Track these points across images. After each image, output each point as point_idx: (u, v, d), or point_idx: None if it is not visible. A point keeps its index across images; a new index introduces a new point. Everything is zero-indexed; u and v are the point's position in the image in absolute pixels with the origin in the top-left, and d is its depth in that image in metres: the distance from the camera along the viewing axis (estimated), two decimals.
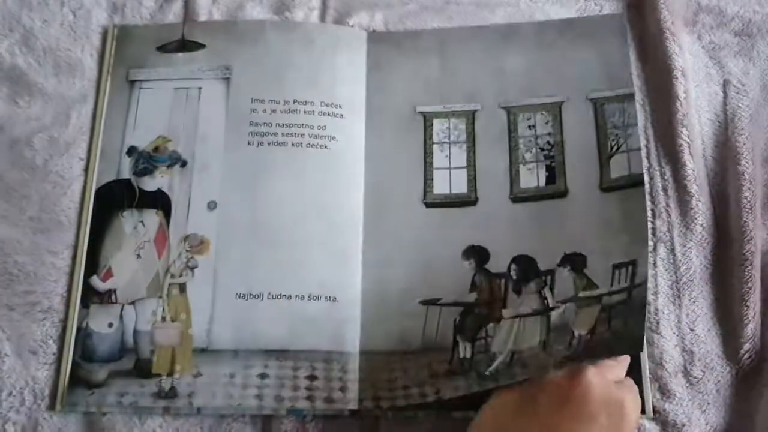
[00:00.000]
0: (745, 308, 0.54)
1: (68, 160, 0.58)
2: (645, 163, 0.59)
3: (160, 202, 0.58)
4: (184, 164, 0.59)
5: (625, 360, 0.50)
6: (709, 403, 0.53)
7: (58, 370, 0.53)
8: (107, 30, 0.62)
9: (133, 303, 0.55)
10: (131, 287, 0.56)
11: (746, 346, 0.53)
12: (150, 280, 0.56)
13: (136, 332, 0.54)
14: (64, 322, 0.54)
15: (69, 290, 0.54)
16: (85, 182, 0.58)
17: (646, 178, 0.59)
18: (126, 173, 0.58)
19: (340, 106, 0.60)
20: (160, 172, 0.58)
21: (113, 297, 0.55)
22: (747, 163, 0.58)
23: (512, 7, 0.65)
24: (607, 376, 0.46)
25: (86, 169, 0.58)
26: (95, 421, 0.52)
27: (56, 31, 0.62)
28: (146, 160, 0.58)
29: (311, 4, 0.65)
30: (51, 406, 0.52)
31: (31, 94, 0.60)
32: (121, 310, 0.55)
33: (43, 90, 0.60)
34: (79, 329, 0.54)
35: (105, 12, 0.63)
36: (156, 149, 0.59)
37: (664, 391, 0.53)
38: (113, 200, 0.58)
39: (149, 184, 0.58)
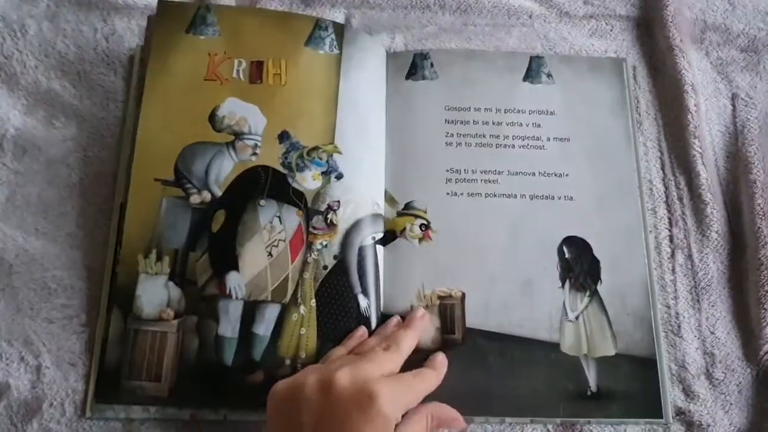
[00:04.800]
0: (763, 311, 0.56)
1: (103, 178, 0.60)
2: (660, 173, 0.62)
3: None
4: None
5: (393, 348, 0.49)
6: (731, 404, 0.55)
7: (93, 381, 0.53)
8: (134, 54, 0.64)
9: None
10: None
11: (765, 348, 0.55)
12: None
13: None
14: (103, 333, 0.55)
15: (107, 303, 0.56)
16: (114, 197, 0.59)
17: (662, 188, 0.61)
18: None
19: None
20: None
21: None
22: (758, 171, 0.60)
23: (527, 28, 0.68)
24: (362, 372, 0.44)
25: (115, 186, 0.59)
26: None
27: (90, 55, 0.64)
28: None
29: None
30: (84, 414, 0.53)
31: (67, 116, 0.62)
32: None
33: (78, 112, 0.62)
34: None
35: (136, 37, 0.65)
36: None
37: (688, 393, 0.55)
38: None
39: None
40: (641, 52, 0.67)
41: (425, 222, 0.58)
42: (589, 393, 0.53)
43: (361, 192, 0.57)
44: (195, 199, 0.55)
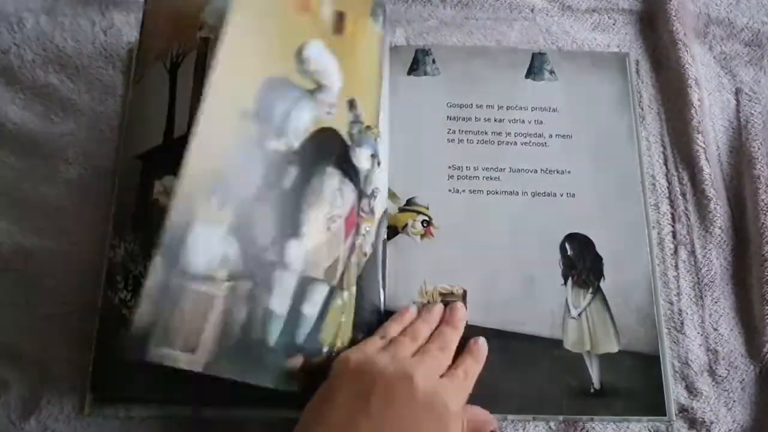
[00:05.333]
0: (766, 307, 0.55)
1: (101, 174, 0.59)
2: (663, 168, 0.61)
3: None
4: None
5: (447, 348, 0.49)
6: (734, 401, 0.54)
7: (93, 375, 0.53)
8: (132, 47, 0.63)
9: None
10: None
11: None
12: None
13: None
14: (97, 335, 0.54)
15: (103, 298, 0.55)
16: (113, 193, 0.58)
17: (665, 184, 0.61)
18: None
19: None
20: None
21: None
22: (762, 167, 0.60)
23: (529, 22, 0.67)
24: (433, 374, 0.46)
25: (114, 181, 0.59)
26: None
27: (88, 49, 0.63)
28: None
29: None
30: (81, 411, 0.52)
31: (65, 111, 0.61)
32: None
33: (76, 106, 0.61)
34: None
35: (135, 30, 0.64)
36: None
37: (691, 390, 0.54)
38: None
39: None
40: (644, 46, 0.67)
41: (427, 218, 0.58)
42: (592, 390, 0.53)
43: (385, 184, 0.57)
44: (272, 144, 0.48)
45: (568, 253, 0.57)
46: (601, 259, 0.57)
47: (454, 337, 0.51)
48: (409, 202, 0.58)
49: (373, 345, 0.48)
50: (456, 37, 0.66)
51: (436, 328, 0.52)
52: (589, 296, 0.55)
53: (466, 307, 0.55)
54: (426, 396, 0.44)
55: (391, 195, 0.58)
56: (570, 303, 0.55)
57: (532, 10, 0.68)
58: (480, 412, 0.49)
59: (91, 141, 0.60)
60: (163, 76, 0.54)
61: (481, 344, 0.52)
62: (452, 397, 0.45)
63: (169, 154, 0.50)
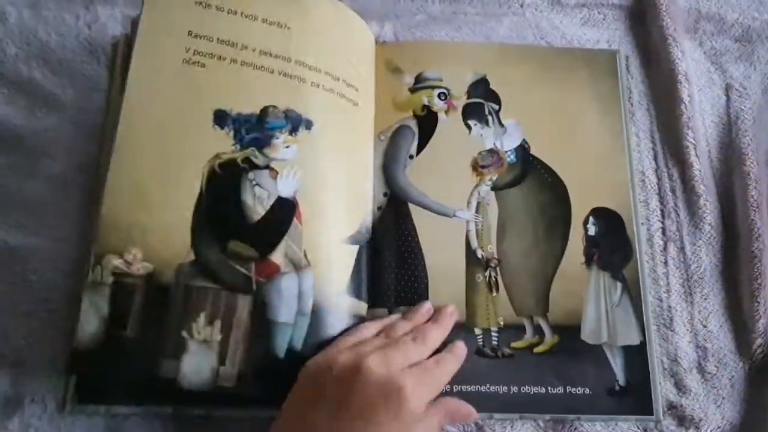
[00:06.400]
0: (756, 304, 0.55)
1: (85, 169, 0.58)
2: (653, 164, 0.61)
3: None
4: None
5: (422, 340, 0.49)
6: (723, 398, 0.54)
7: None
8: (117, 41, 0.62)
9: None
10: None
11: (758, 341, 0.54)
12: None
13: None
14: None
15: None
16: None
17: (655, 180, 0.60)
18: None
19: None
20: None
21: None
22: (752, 163, 0.59)
23: (518, 17, 0.67)
24: (394, 363, 0.45)
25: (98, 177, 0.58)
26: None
27: (72, 44, 0.63)
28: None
29: None
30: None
31: (48, 106, 0.60)
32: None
33: (60, 101, 0.60)
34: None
35: (120, 25, 0.64)
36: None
37: (680, 387, 0.54)
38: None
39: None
40: (634, 41, 0.66)
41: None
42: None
43: None
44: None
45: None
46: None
47: (435, 332, 0.50)
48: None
49: (332, 346, 0.48)
50: (445, 32, 0.66)
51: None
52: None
53: None
54: (379, 381, 0.43)
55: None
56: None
57: (521, 5, 0.67)
58: (462, 405, 0.48)
59: (75, 136, 0.59)
60: None
61: (461, 346, 0.51)
62: (413, 384, 0.43)
63: None
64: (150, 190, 0.50)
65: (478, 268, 0.56)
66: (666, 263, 0.58)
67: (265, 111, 0.53)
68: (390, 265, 0.55)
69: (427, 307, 0.53)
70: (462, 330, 0.54)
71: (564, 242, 0.56)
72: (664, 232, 0.59)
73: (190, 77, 0.53)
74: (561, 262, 0.56)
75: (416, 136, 0.59)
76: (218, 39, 0.54)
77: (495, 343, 0.54)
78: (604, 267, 0.56)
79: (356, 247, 0.54)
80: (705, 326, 0.56)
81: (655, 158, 0.61)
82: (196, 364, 0.48)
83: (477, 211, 0.57)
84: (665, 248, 0.58)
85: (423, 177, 0.58)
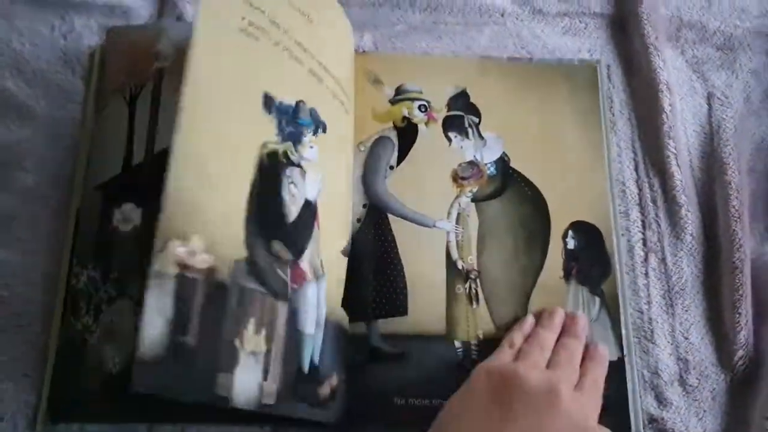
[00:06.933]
0: (737, 315, 0.54)
1: (59, 182, 0.57)
2: (633, 175, 0.60)
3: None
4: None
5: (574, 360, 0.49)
6: (705, 411, 0.53)
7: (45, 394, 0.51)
8: (93, 51, 0.61)
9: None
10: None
11: (739, 353, 0.54)
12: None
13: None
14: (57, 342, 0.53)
15: (62, 311, 0.53)
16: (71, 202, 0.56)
17: (635, 190, 0.60)
18: None
19: None
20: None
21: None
22: (733, 173, 0.59)
23: (499, 26, 0.66)
24: (572, 388, 0.46)
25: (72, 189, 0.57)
26: None
27: (47, 54, 0.62)
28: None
29: None
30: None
31: (22, 117, 0.59)
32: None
33: (34, 113, 0.59)
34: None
35: (96, 35, 0.63)
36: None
37: (660, 400, 0.53)
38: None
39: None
40: (616, 50, 0.66)
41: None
42: None
43: None
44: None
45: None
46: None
47: (579, 348, 0.50)
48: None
49: (504, 354, 0.49)
50: (425, 42, 0.65)
51: (559, 338, 0.51)
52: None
53: None
54: (569, 409, 0.43)
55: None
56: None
57: (502, 15, 0.67)
58: None
59: (49, 148, 0.58)
60: (122, 108, 0.54)
61: (602, 349, 0.51)
62: (590, 412, 0.45)
63: (128, 182, 0.52)
64: (210, 166, 0.45)
65: (459, 279, 0.55)
66: (647, 274, 0.57)
67: (298, 106, 0.51)
68: (368, 276, 0.54)
69: (561, 315, 0.53)
70: (442, 343, 0.53)
71: (543, 255, 0.56)
72: (644, 243, 0.58)
73: (246, 48, 0.48)
74: (540, 275, 0.55)
75: (396, 147, 0.59)
76: (269, 16, 0.50)
77: (475, 356, 0.53)
78: (583, 281, 0.55)
79: (346, 259, 0.54)
80: (686, 338, 0.55)
81: (636, 168, 0.61)
82: (246, 380, 0.42)
83: (457, 222, 0.57)
84: (646, 259, 0.57)
85: (403, 188, 0.57)
